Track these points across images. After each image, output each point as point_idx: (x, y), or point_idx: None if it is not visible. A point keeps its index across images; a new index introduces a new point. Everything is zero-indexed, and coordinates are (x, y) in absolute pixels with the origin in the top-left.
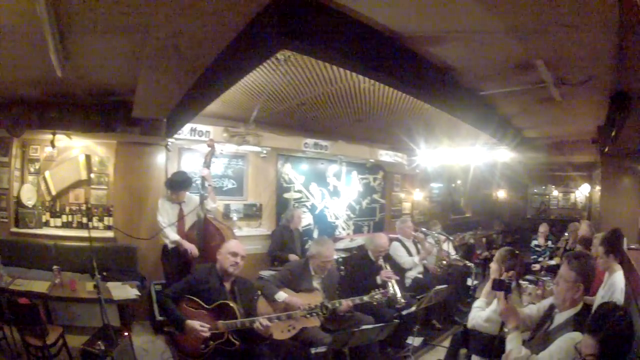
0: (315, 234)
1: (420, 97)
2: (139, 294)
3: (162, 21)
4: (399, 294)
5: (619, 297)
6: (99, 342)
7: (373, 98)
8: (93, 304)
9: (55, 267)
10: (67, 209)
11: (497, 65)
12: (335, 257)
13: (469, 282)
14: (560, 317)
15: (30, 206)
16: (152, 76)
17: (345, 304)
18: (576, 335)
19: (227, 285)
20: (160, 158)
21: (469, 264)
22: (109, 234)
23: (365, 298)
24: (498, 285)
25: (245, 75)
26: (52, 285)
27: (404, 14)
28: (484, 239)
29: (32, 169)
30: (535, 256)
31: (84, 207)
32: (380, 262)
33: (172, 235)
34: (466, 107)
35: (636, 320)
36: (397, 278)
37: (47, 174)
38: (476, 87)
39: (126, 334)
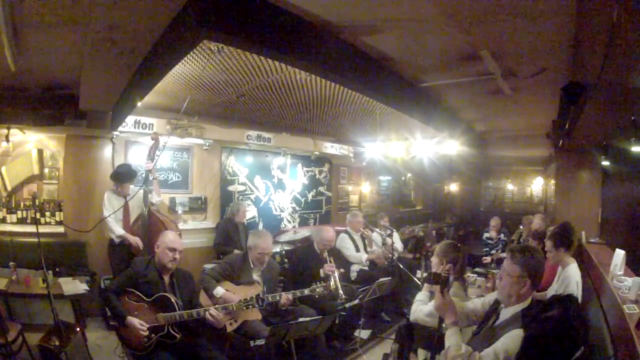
0: (260, 227)
1: (357, 89)
2: (88, 288)
3: (100, 15)
4: (340, 289)
5: (574, 289)
6: (54, 338)
7: (311, 90)
8: (48, 301)
9: (11, 263)
10: (22, 204)
11: (438, 56)
12: (279, 249)
13: (418, 274)
14: (506, 313)
15: None
16: (94, 69)
17: (285, 297)
18: (521, 332)
19: (166, 278)
20: (107, 151)
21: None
22: (60, 229)
23: (307, 291)
24: (434, 278)
25: (175, 66)
26: (10, 282)
27: (334, 3)
28: (434, 232)
29: None
30: (487, 249)
31: (36, 202)
32: (325, 255)
33: (117, 230)
34: (406, 98)
35: (595, 312)
36: (342, 271)
37: (2, 169)
38: (417, 78)
39: (78, 329)
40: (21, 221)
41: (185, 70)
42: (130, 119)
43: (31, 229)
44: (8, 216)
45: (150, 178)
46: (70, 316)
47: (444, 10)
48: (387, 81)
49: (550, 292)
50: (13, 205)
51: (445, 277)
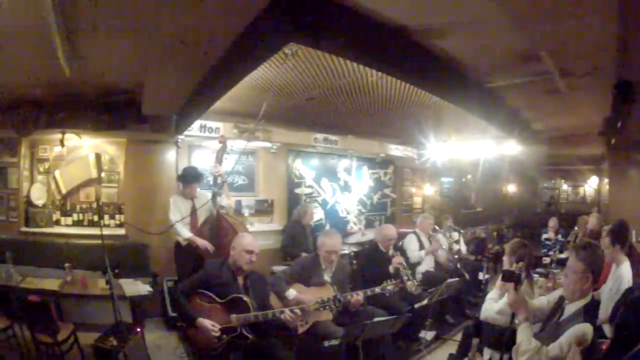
0: None
1: (426, 89)
2: (151, 290)
3: (169, 18)
4: (411, 279)
5: (626, 288)
6: (111, 338)
7: (381, 91)
8: (104, 301)
9: (67, 264)
10: (78, 207)
11: (502, 57)
12: (347, 251)
13: (481, 276)
14: (570, 308)
15: (40, 205)
16: (160, 73)
17: (356, 298)
18: (585, 327)
19: (240, 279)
20: (170, 155)
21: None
22: (120, 231)
23: (377, 289)
24: (508, 276)
25: (253, 70)
26: (64, 283)
27: (409, 7)
28: (494, 233)
29: (41, 169)
30: (545, 250)
31: (94, 206)
32: (391, 252)
33: (184, 233)
34: (473, 99)
35: None
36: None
37: (56, 173)
38: (482, 79)
39: (138, 329)
40: (77, 223)
41: (256, 74)
42: (196, 123)
43: (87, 231)
44: (62, 218)
45: (219, 181)
46: (128, 317)
47: (507, 12)
48: (454, 82)
49: (605, 290)
50: (68, 208)
51: (518, 275)
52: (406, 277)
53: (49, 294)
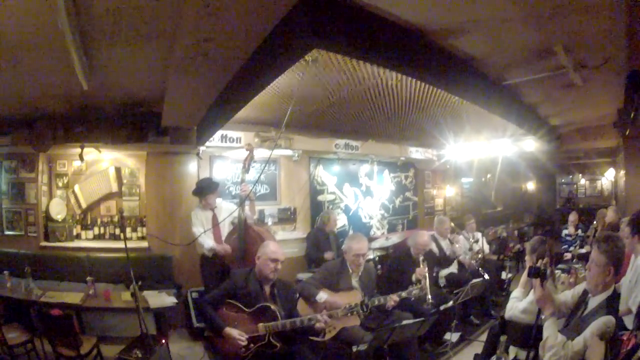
0: None
1: (445, 88)
2: (176, 301)
3: (190, 28)
4: (429, 294)
5: None
6: (136, 351)
7: (401, 95)
8: (127, 314)
9: (89, 278)
10: (99, 220)
11: (517, 54)
12: (372, 256)
13: (503, 275)
14: (593, 302)
15: (59, 220)
16: (181, 84)
17: (392, 299)
18: (608, 319)
19: (267, 288)
20: (191, 166)
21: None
22: (143, 244)
23: (403, 294)
24: (534, 272)
25: (277, 78)
26: (86, 296)
27: (425, 9)
28: (516, 232)
29: (60, 184)
30: (566, 245)
31: (116, 219)
32: (420, 259)
33: (207, 243)
34: (492, 97)
35: None
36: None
37: (76, 187)
38: (500, 76)
39: (163, 341)
40: (98, 237)
41: (277, 82)
42: (217, 133)
43: (109, 244)
44: (83, 232)
45: (247, 201)
46: (152, 328)
47: (522, 8)
48: (473, 81)
49: (625, 282)
50: (88, 222)
51: (544, 270)
52: (424, 291)
53: (71, 308)
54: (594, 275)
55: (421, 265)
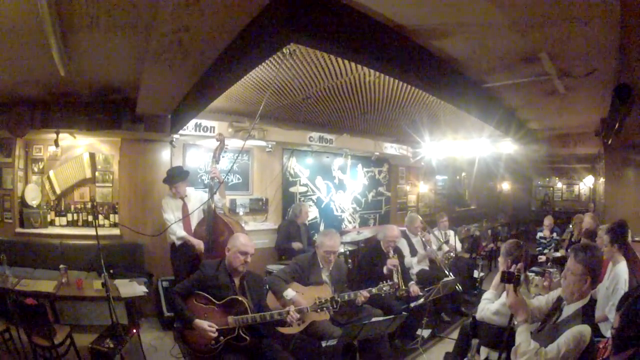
0: (322, 228)
1: (424, 88)
2: (147, 290)
3: (167, 17)
4: (401, 281)
5: (623, 287)
6: (108, 340)
7: (378, 91)
8: (100, 303)
9: (61, 266)
10: (72, 207)
11: (501, 58)
12: (343, 249)
13: (475, 274)
14: (568, 309)
15: (34, 206)
16: (156, 72)
17: (362, 295)
18: (584, 328)
19: (237, 280)
20: (165, 154)
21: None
22: (115, 231)
23: (374, 290)
24: (507, 277)
25: (252, 70)
26: (59, 285)
27: (408, 7)
28: (489, 231)
29: (35, 169)
30: (540, 248)
31: (89, 206)
32: (391, 253)
33: (178, 232)
34: (470, 99)
35: None
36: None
37: (51, 173)
38: (481, 79)
39: (134, 331)
40: (72, 224)
41: (252, 73)
42: (191, 122)
43: (82, 231)
44: (57, 219)
45: (215, 181)
46: (123, 318)
47: (509, 15)
48: (452, 82)
49: (602, 289)
50: (62, 209)
51: (517, 276)
52: (397, 281)
53: (45, 296)
54: (569, 283)
55: (391, 256)
